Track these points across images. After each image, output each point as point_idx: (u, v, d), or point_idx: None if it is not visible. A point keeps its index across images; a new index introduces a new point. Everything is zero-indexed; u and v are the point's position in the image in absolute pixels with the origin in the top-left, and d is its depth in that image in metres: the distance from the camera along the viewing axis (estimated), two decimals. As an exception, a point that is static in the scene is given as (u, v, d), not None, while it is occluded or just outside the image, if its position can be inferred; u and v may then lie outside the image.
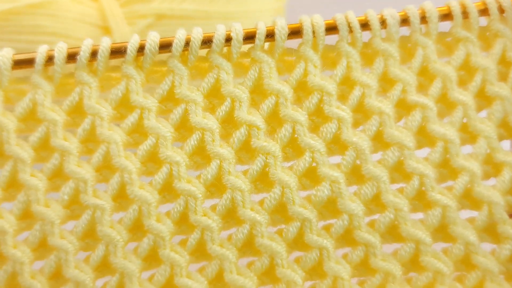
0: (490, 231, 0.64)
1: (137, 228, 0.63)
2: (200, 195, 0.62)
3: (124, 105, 0.64)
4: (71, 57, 0.63)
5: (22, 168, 0.61)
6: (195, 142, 0.63)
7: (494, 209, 0.63)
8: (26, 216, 0.62)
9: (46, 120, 0.62)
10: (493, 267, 0.63)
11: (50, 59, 0.62)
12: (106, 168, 0.63)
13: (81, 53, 0.62)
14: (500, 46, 0.66)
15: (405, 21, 0.66)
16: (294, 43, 0.66)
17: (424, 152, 0.65)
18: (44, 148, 0.63)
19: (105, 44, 0.62)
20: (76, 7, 0.81)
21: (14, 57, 0.62)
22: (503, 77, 0.66)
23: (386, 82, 0.66)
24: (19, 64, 0.62)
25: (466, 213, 0.65)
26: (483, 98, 0.66)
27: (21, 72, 0.63)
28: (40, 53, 0.62)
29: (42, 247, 0.62)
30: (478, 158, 0.64)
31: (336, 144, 0.64)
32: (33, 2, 0.78)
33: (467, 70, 0.66)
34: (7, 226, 0.61)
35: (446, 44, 0.67)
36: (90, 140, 0.63)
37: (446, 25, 0.67)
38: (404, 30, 0.67)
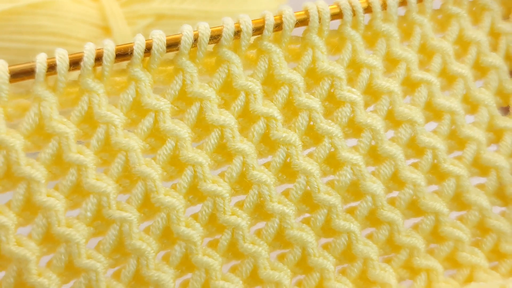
0: (499, 195, 0.68)
1: (165, 236, 0.61)
2: (227, 195, 0.61)
3: (134, 110, 0.61)
4: (74, 63, 0.58)
5: (37, 189, 0.57)
6: (215, 140, 0.62)
7: (501, 173, 0.67)
8: (47, 240, 0.58)
9: (56, 134, 0.58)
10: (506, 229, 0.67)
11: (50, 68, 0.58)
12: (125, 178, 0.60)
13: (85, 58, 0.59)
14: (489, 19, 0.70)
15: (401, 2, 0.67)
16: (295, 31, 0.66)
17: (430, 126, 0.67)
18: (56, 164, 0.59)
19: (110, 48, 0.59)
20: (76, 7, 0.78)
21: (10, 69, 0.57)
22: (493, 48, 0.70)
23: (389, 62, 0.67)
24: (16, 76, 0.58)
25: (474, 180, 0.68)
26: (478, 69, 0.69)
27: (13, 86, 0.58)
28: (40, 62, 0.58)
29: (68, 270, 0.59)
30: (481, 126, 0.68)
31: (351, 127, 0.66)
32: (33, 2, 0.76)
33: (461, 44, 0.69)
34: (29, 254, 0.57)
35: (438, 21, 0.70)
36: (104, 151, 0.60)
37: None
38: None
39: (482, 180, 0.68)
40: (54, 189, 0.59)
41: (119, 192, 0.60)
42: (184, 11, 0.78)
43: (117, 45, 0.60)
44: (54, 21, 0.77)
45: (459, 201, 0.67)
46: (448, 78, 0.68)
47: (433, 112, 0.67)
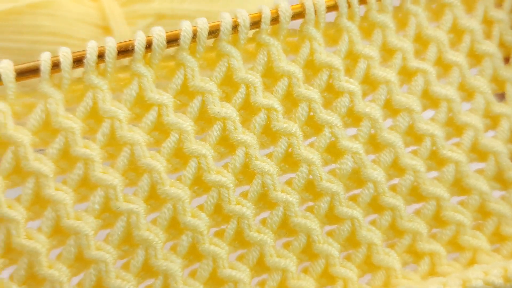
0: (498, 179, 0.72)
1: (172, 227, 0.64)
2: (232, 185, 0.64)
3: (137, 105, 0.64)
4: (77, 61, 0.62)
5: (46, 183, 0.60)
6: (218, 132, 0.65)
7: (499, 158, 0.71)
8: (56, 233, 0.61)
9: (63, 130, 0.61)
10: (506, 212, 0.70)
11: (54, 66, 0.61)
12: (131, 171, 0.63)
13: (88, 55, 0.62)
14: (482, 8, 0.74)
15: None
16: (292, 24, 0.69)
17: (427, 114, 0.71)
18: (64, 159, 0.62)
19: (112, 44, 0.63)
20: (76, 7, 0.80)
21: (15, 67, 0.60)
22: (487, 36, 0.74)
23: (385, 52, 0.71)
24: (22, 74, 0.61)
25: (474, 166, 0.71)
26: (473, 57, 0.73)
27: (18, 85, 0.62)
28: (45, 60, 0.61)
29: (77, 262, 0.61)
30: (478, 113, 0.71)
31: (350, 117, 0.69)
32: (33, 2, 0.78)
33: (455, 32, 0.73)
34: (40, 246, 0.60)
35: (432, 10, 0.74)
36: (110, 144, 0.63)
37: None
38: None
39: (481, 165, 0.72)
40: (62, 183, 0.62)
41: (126, 185, 0.63)
42: (184, 11, 0.81)
43: (119, 42, 0.63)
44: (54, 21, 0.79)
45: (459, 186, 0.70)
46: (443, 66, 0.72)
47: (430, 100, 0.71)
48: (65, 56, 0.61)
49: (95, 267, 0.61)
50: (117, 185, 0.62)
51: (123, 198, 0.62)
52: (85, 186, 0.62)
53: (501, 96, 0.74)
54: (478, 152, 0.71)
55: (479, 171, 0.71)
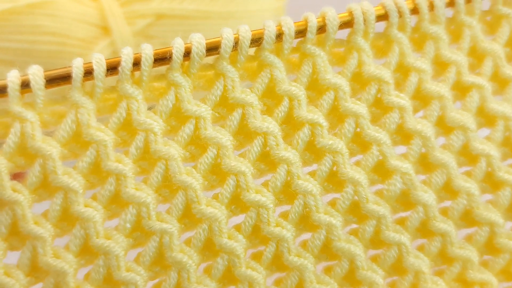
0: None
1: (207, 248, 0.60)
2: (272, 205, 0.60)
3: (174, 116, 0.60)
4: (111, 69, 0.58)
5: (75, 199, 0.57)
6: (258, 148, 0.61)
7: None
8: (85, 251, 0.57)
9: (94, 142, 0.58)
10: None
11: (87, 73, 0.58)
12: (165, 188, 0.59)
13: (123, 63, 0.58)
14: (546, 19, 0.68)
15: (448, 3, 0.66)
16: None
17: (481, 133, 0.66)
18: (94, 173, 0.58)
19: (148, 52, 0.59)
20: (76, 6, 0.79)
21: (45, 74, 0.57)
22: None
23: (438, 65, 0.67)
24: (52, 81, 0.57)
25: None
26: (533, 73, 0.68)
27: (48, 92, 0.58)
28: (77, 67, 0.58)
29: (106, 283, 0.58)
30: (540, 133, 0.66)
31: (399, 134, 0.65)
32: (33, 2, 0.77)
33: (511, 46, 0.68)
34: (67, 266, 0.56)
35: (487, 22, 0.69)
36: (143, 159, 0.59)
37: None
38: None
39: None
40: (92, 199, 0.58)
41: (159, 202, 0.60)
42: (183, 11, 0.79)
43: (156, 49, 0.59)
44: (53, 21, 0.79)
45: (514, 211, 0.66)
46: (500, 82, 0.67)
47: (485, 118, 0.67)
48: (99, 63, 0.58)
49: (125, 290, 0.58)
50: (150, 203, 0.58)
51: (156, 216, 0.58)
52: (116, 202, 0.59)
53: None
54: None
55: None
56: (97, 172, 0.58)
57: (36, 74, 0.57)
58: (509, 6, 0.68)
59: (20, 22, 0.78)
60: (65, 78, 0.58)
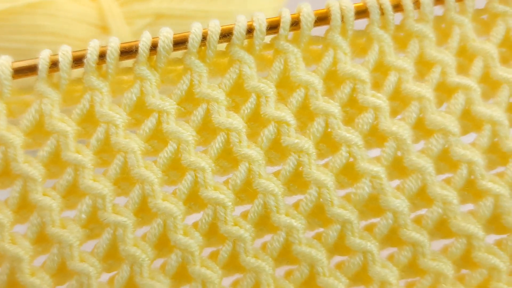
0: (549, 219, 0.61)
1: (163, 244, 0.60)
2: (230, 203, 0.59)
3: (139, 110, 0.61)
4: (77, 60, 0.59)
5: (33, 187, 0.58)
6: (220, 144, 0.60)
7: (552, 195, 0.60)
8: (42, 239, 0.59)
9: (55, 132, 0.59)
10: (555, 259, 0.60)
11: (54, 64, 0.59)
12: (124, 180, 0.60)
13: (89, 55, 0.59)
14: (544, 18, 0.63)
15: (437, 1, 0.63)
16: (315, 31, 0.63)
17: (470, 138, 0.62)
18: (55, 163, 0.59)
19: (114, 45, 0.59)
20: (75, 6, 0.81)
21: (13, 64, 0.59)
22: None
23: (423, 65, 0.63)
24: (19, 72, 0.59)
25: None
26: (530, 75, 0.63)
27: (20, 81, 0.60)
28: (43, 58, 0.59)
29: (61, 272, 0.59)
30: (530, 140, 0.61)
31: (374, 136, 0.62)
32: (32, 2, 0.79)
33: (508, 46, 0.64)
34: (23, 252, 0.58)
35: (482, 22, 0.65)
36: (105, 151, 0.60)
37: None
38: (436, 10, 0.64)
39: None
40: (52, 188, 0.59)
41: (117, 194, 0.60)
42: (183, 10, 0.79)
43: (123, 42, 0.60)
44: (53, 21, 0.80)
45: (497, 223, 0.61)
46: (491, 84, 0.63)
47: (472, 122, 0.62)
48: (65, 55, 0.59)
49: (78, 279, 0.58)
50: (106, 195, 0.58)
51: (112, 209, 0.59)
52: (74, 193, 0.59)
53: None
54: (526, 186, 0.62)
55: (525, 209, 0.62)
56: (58, 162, 0.60)
57: (3, 64, 0.58)
58: (506, 3, 0.63)
59: (20, 22, 0.79)
60: (33, 69, 0.59)
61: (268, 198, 0.59)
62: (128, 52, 0.60)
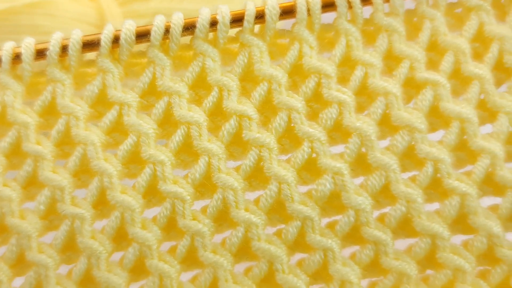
0: (516, 220, 0.59)
1: (121, 237, 0.60)
2: (189, 197, 0.59)
3: (102, 103, 0.61)
4: (41, 53, 0.59)
5: (-8, 178, 0.58)
6: (181, 138, 0.60)
7: (520, 194, 0.58)
8: (1, 230, 0.59)
9: (16, 123, 0.60)
10: (521, 261, 0.58)
11: (18, 57, 0.59)
12: (84, 173, 0.60)
13: (51, 48, 0.60)
14: (518, 12, 0.61)
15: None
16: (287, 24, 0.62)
17: (439, 135, 0.60)
18: (16, 154, 0.60)
19: (76, 37, 0.59)
20: (74, 6, 0.81)
21: (-22, 57, 0.59)
22: (523, 46, 0.61)
23: (392, 60, 0.62)
24: (-16, 63, 0.59)
25: (489, 201, 0.60)
26: (502, 71, 0.62)
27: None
28: (6, 50, 0.60)
29: (20, 263, 0.59)
30: (499, 138, 0.60)
31: (338, 132, 0.61)
32: (31, 2, 0.79)
33: (481, 41, 0.63)
34: None
35: (456, 16, 0.63)
36: (66, 143, 0.61)
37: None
38: (409, 4, 0.62)
39: (496, 201, 0.60)
40: (13, 179, 0.59)
41: (78, 187, 0.60)
42: (182, 10, 0.77)
43: (85, 35, 0.60)
44: (52, 21, 0.80)
45: (464, 223, 0.59)
46: (462, 80, 0.61)
47: (441, 119, 0.60)
48: (27, 47, 0.60)
49: (36, 271, 0.58)
50: (65, 186, 0.58)
51: (71, 201, 0.59)
52: (34, 184, 0.60)
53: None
54: (494, 185, 0.60)
55: (493, 208, 0.60)
56: (19, 153, 0.60)
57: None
58: (480, -3, 0.61)
59: (19, 22, 0.79)
60: (-4, 60, 0.60)
61: (227, 192, 0.59)
62: (91, 44, 0.60)
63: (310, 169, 0.60)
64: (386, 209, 0.60)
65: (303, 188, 0.60)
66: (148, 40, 0.60)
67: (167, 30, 0.60)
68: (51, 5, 0.80)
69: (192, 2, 0.82)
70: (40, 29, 0.79)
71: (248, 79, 0.61)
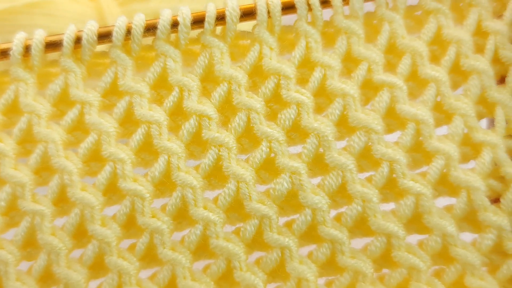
0: (470, 220, 0.61)
1: (81, 234, 0.61)
2: (148, 195, 0.60)
3: (64, 102, 0.62)
4: (5, 53, 0.60)
5: (-45, 175, 0.59)
6: (141, 136, 0.61)
7: (474, 194, 0.60)
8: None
9: (-22, 122, 0.60)
10: (474, 260, 0.59)
11: (-18, 56, 0.60)
12: (45, 170, 0.61)
13: (14, 47, 0.61)
14: (475, 16, 0.63)
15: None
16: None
17: (396, 136, 0.62)
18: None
19: (39, 37, 0.60)
20: (74, 6, 0.81)
21: None
22: (479, 49, 0.63)
23: (351, 62, 0.63)
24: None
25: (443, 201, 0.61)
26: (459, 74, 0.63)
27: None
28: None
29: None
30: (454, 139, 0.61)
31: (297, 132, 0.62)
32: (31, 2, 0.80)
33: (439, 44, 0.64)
34: None
35: (415, 18, 0.65)
36: (28, 141, 0.61)
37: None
38: (369, 6, 0.63)
39: (451, 201, 0.61)
40: (-22, 178, 0.60)
41: (39, 184, 0.61)
42: None
43: (48, 35, 0.61)
44: (52, 21, 0.80)
45: (419, 223, 0.61)
46: (419, 82, 0.62)
47: (397, 120, 0.62)
48: (-10, 47, 0.61)
49: (-4, 267, 0.59)
50: (25, 183, 0.59)
51: (32, 197, 0.60)
52: (-4, 181, 0.61)
53: (491, 122, 0.63)
54: (449, 185, 0.61)
55: (447, 208, 0.61)
56: (-18, 151, 0.61)
57: None
58: (439, 0, 0.62)
59: (19, 21, 0.80)
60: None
61: (186, 191, 0.60)
62: (55, 45, 0.61)
63: (268, 168, 0.61)
64: (343, 209, 0.61)
65: (262, 187, 0.61)
66: (111, 41, 0.61)
67: (129, 31, 0.61)
68: (51, 5, 0.81)
69: (191, 3, 0.81)
70: (40, 29, 0.80)
71: (209, 79, 0.62)
